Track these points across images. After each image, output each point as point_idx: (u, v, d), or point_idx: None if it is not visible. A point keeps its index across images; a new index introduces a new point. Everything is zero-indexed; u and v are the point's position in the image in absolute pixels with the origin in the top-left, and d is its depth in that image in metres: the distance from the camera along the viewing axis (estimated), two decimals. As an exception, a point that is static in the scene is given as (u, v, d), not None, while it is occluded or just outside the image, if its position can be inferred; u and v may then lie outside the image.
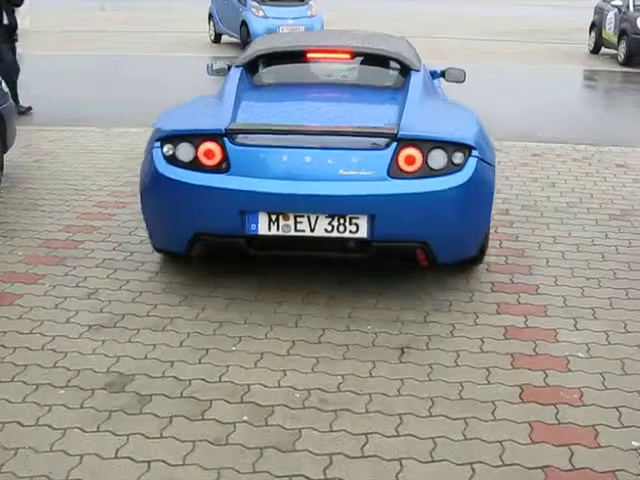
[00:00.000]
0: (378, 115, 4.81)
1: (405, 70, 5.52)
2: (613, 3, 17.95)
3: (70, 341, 4.03)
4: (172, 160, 4.37)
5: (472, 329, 4.23)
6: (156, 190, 4.46)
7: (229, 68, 6.40)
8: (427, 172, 4.24)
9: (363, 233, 4.26)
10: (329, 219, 4.25)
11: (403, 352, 3.96)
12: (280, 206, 4.21)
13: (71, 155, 8.10)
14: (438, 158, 4.27)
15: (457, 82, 6.78)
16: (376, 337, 4.13)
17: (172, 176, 4.31)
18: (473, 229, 4.54)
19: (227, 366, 3.79)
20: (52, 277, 4.88)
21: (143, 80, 14.01)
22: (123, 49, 18.35)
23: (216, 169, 4.27)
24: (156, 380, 3.65)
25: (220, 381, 3.65)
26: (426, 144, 4.26)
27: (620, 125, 10.78)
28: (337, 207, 4.21)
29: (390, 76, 5.60)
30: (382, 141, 4.27)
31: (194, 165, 4.31)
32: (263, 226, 4.27)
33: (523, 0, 40.03)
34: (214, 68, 6.72)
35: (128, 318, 4.31)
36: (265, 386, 3.62)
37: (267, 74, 5.65)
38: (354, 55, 5.66)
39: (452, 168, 4.29)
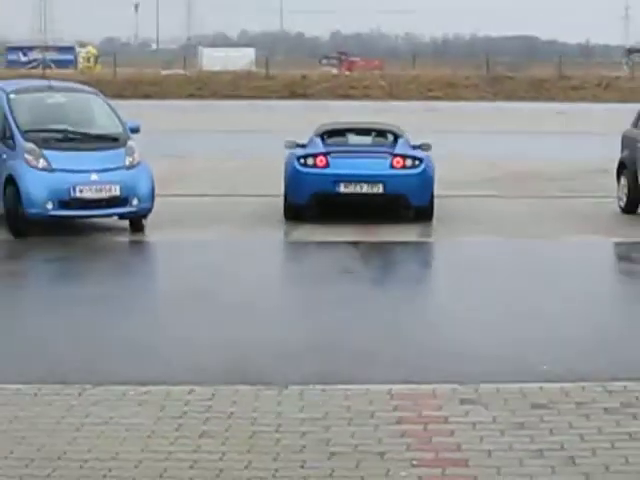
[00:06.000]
0: (382, 150, 13.61)
1: (396, 136, 13.72)
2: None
3: None
4: (304, 165, 13.02)
5: None
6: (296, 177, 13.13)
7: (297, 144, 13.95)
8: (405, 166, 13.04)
9: None
10: None
11: None
12: None
13: None
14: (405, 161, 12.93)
15: (427, 151, 13.34)
16: None
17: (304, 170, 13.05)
18: None
19: None
20: None
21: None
22: None
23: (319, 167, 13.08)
24: None
25: None
26: (405, 156, 13.04)
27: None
28: None
29: (389, 138, 13.93)
30: (388, 154, 13.24)
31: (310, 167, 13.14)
32: None
33: (502, 126, 29.52)
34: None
35: None
36: None
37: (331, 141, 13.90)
38: (370, 130, 14.56)
39: (415, 164, 13.00)
